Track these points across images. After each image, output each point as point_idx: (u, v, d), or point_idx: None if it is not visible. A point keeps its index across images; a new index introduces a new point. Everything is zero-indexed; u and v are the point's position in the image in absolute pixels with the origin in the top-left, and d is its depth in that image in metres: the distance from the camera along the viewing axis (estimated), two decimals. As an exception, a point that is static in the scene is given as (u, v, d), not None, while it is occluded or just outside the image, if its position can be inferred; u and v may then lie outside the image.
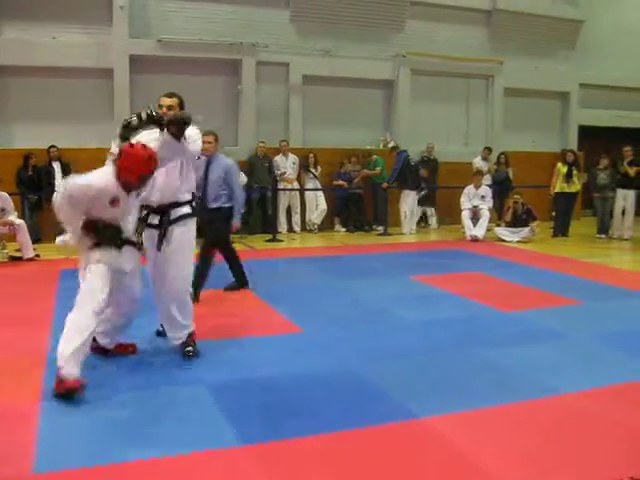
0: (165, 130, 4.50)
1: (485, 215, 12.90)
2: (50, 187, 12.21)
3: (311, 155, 14.16)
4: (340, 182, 14.34)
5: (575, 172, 13.33)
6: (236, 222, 7.34)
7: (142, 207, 4.95)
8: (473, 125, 16.70)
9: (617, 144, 14.02)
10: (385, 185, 13.91)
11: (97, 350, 5.00)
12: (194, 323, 5.18)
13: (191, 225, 5.11)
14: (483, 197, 13.14)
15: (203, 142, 5.90)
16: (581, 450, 3.55)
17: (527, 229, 12.68)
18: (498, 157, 15.05)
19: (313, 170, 14.17)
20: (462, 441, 3.66)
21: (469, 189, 13.25)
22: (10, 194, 10.51)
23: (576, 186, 13.44)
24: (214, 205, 7.14)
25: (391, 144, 14.48)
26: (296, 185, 14.13)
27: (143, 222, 4.96)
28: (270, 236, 12.96)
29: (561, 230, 13.47)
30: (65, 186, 4.55)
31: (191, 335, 5.17)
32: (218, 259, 7.44)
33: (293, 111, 14.68)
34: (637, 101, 17.80)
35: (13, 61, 12.48)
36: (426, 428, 3.84)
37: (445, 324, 6.25)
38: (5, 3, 12.47)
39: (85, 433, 3.70)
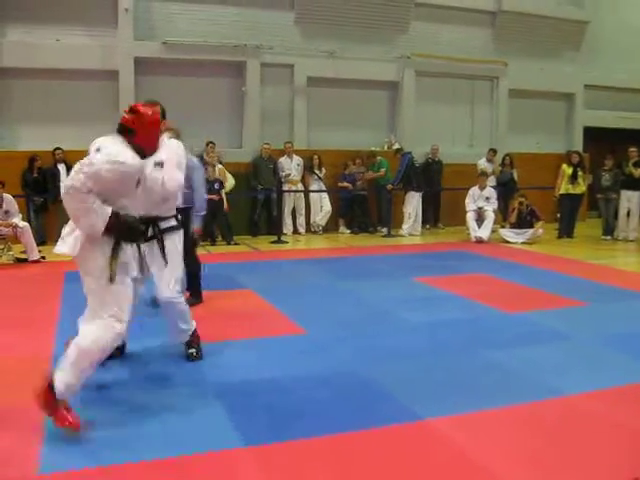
0: None
1: (490, 216, 12.89)
2: (55, 189, 12.26)
3: (315, 157, 14.17)
4: (345, 184, 14.35)
5: (580, 173, 13.31)
6: (196, 226, 6.51)
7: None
8: (478, 126, 16.70)
9: (622, 145, 14.00)
10: (390, 187, 13.91)
11: None
12: (194, 322, 5.16)
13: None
14: (488, 198, 13.14)
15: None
16: (585, 451, 3.54)
17: (532, 230, 12.66)
18: (503, 158, 15.04)
19: (317, 172, 14.18)
20: (466, 442, 3.65)
21: (474, 190, 13.25)
22: (15, 196, 10.55)
23: (581, 187, 13.42)
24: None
25: (395, 146, 14.48)
26: (300, 187, 14.14)
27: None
28: (275, 237, 12.97)
29: (566, 231, 13.45)
30: (83, 167, 3.77)
31: (194, 336, 5.14)
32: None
33: (297, 113, 14.69)
34: (643, 102, 17.79)
35: (17, 63, 12.53)
36: (430, 429, 3.84)
37: (449, 326, 6.24)
38: (9, 5, 12.52)
39: (89, 434, 3.71)
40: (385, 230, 14.02)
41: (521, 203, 12.89)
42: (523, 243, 12.51)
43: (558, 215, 14.02)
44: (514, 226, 12.94)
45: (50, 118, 12.87)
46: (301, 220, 14.23)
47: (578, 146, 16.80)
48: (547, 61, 16.79)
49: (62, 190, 3.89)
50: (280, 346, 5.57)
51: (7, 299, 7.57)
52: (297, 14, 14.41)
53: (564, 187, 13.35)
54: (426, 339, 5.78)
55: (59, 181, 12.17)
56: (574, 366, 4.99)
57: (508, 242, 12.67)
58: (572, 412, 4.09)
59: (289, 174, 13.89)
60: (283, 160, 13.99)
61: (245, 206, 13.80)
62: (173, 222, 4.66)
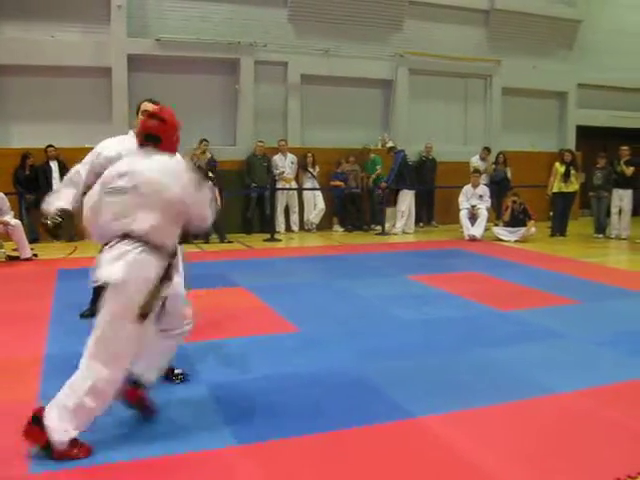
0: None
1: (483, 215, 12.91)
2: (48, 187, 12.22)
3: (309, 155, 14.16)
4: (337, 182, 14.34)
5: (573, 172, 13.33)
6: None
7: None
8: (471, 125, 16.73)
9: (614, 144, 14.04)
10: (383, 185, 13.91)
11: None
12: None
13: None
14: (481, 197, 13.15)
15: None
16: (577, 449, 3.55)
17: (525, 229, 12.68)
18: (496, 157, 15.05)
19: (311, 170, 14.18)
20: (459, 441, 3.65)
21: (467, 189, 13.26)
22: (7, 194, 10.51)
23: (574, 186, 13.45)
24: None
25: (389, 144, 14.48)
26: (294, 185, 14.13)
27: None
28: (268, 235, 12.96)
29: (559, 230, 13.47)
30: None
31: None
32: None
33: (291, 111, 14.68)
34: (635, 101, 17.82)
35: (10, 60, 12.47)
36: (423, 428, 3.84)
37: (442, 323, 6.25)
38: (3, 2, 12.46)
39: (81, 433, 3.69)
40: (379, 228, 14.02)
41: (514, 201, 12.92)
42: (516, 241, 12.53)
43: (551, 213, 14.05)
44: (507, 224, 12.97)
45: (43, 115, 12.82)
46: (294, 218, 14.22)
47: (571, 144, 16.84)
48: (540, 60, 16.82)
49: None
50: (273, 344, 5.56)
51: (-1, 297, 7.55)
52: (291, 11, 14.38)
53: (557, 185, 13.38)
54: (419, 337, 5.79)
55: (51, 178, 12.18)
56: (567, 364, 5.01)
57: (501, 240, 12.70)
58: (565, 410, 4.10)
59: (283, 172, 13.88)
60: (277, 158, 13.98)
61: (238, 204, 13.77)
62: None
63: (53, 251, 11.06)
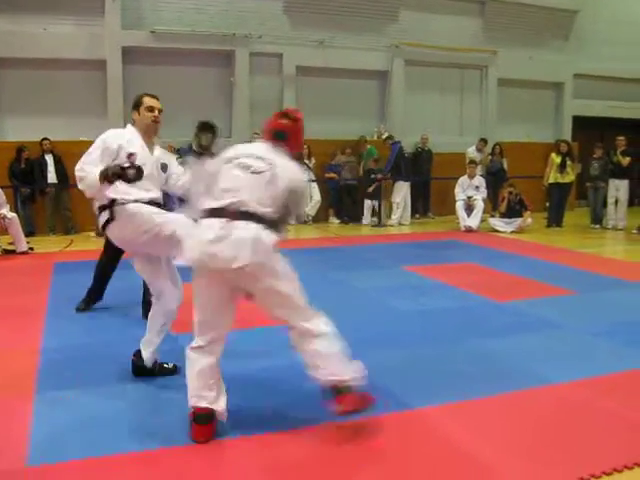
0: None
1: (479, 206, 12.91)
2: (43, 180, 12.21)
3: (305, 146, 14.11)
4: (331, 175, 14.30)
5: (569, 162, 13.32)
6: None
7: None
8: (467, 115, 16.71)
9: (611, 134, 14.04)
10: (380, 176, 13.89)
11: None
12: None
13: None
14: (477, 188, 13.14)
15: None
16: (575, 440, 3.55)
17: (521, 219, 12.69)
18: (493, 147, 15.05)
19: (307, 161, 14.14)
20: (457, 432, 3.66)
21: (463, 180, 13.25)
22: (2, 187, 10.48)
23: (570, 176, 13.45)
24: None
25: (385, 134, 14.46)
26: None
27: None
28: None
29: (555, 220, 13.48)
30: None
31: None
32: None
33: (287, 102, 14.60)
34: (631, 92, 17.81)
35: (4, 53, 12.43)
36: (421, 419, 3.84)
37: (439, 314, 6.25)
38: (-6, -6, 12.41)
39: (78, 426, 3.70)
40: (375, 220, 14.01)
41: (510, 192, 12.92)
42: (512, 232, 12.54)
43: (547, 204, 14.06)
44: (503, 215, 12.98)
45: (37, 108, 12.78)
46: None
47: (567, 135, 16.84)
48: (536, 50, 16.79)
49: None
50: (270, 336, 5.55)
51: (-5, 290, 7.54)
52: (286, 3, 14.34)
53: (553, 176, 13.37)
54: (416, 328, 5.79)
55: (47, 172, 12.16)
56: (564, 354, 5.01)
57: (497, 231, 12.71)
58: (562, 400, 4.10)
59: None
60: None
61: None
62: None
63: (49, 245, 11.06)
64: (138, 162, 4.20)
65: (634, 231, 12.36)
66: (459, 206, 13.05)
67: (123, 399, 4.11)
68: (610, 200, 13.25)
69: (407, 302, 6.70)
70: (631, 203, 13.81)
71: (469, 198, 13.02)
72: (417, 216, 15.08)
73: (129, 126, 4.49)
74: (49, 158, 12.26)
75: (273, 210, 3.57)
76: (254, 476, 3.20)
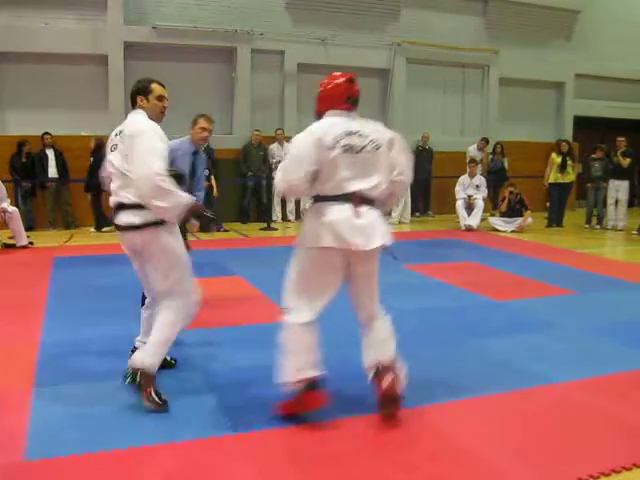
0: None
1: (479, 205, 12.91)
2: (44, 174, 12.21)
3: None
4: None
5: (569, 162, 13.31)
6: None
7: None
8: (468, 114, 16.70)
9: (612, 135, 14.04)
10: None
11: None
12: None
13: None
14: (478, 187, 13.14)
15: (203, 129, 5.62)
16: (573, 440, 3.55)
17: (521, 219, 12.69)
18: (494, 147, 15.06)
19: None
20: (454, 430, 3.66)
21: (464, 178, 13.25)
22: (3, 181, 10.48)
23: (570, 176, 13.44)
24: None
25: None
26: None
27: None
28: (265, 224, 12.95)
29: (555, 220, 13.48)
30: None
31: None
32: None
33: (288, 99, 14.64)
34: (632, 92, 17.80)
35: (6, 47, 12.41)
36: (418, 417, 3.84)
37: (438, 313, 6.25)
38: (-3, -11, 12.40)
39: (76, 421, 3.70)
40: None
41: (511, 192, 12.92)
42: (512, 232, 12.54)
43: (548, 204, 14.06)
44: (504, 215, 12.98)
45: (39, 103, 12.77)
46: (291, 207, 14.21)
47: (568, 135, 16.83)
48: (538, 50, 16.77)
49: None
50: (270, 333, 5.55)
51: (-5, 285, 7.54)
52: (288, 0, 14.32)
53: (553, 176, 13.36)
54: (415, 326, 5.77)
55: (48, 166, 12.16)
56: (563, 355, 5.01)
57: (497, 230, 12.71)
58: (561, 400, 4.11)
59: (279, 161, 13.80)
60: (274, 147, 13.95)
61: (235, 193, 13.75)
62: None
63: (49, 239, 11.06)
64: None
65: (634, 232, 12.36)
66: (459, 205, 13.05)
67: (122, 394, 4.11)
68: (610, 201, 13.25)
69: (406, 300, 6.68)
70: (631, 204, 13.79)
71: (469, 197, 13.02)
72: (417, 214, 15.08)
73: (142, 112, 4.15)
74: (50, 153, 12.26)
75: (381, 188, 3.75)
76: (253, 473, 3.21)
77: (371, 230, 3.67)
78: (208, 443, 3.47)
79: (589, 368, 4.66)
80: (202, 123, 5.63)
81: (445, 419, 3.81)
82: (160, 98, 4.24)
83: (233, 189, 13.63)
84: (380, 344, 3.92)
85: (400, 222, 13.94)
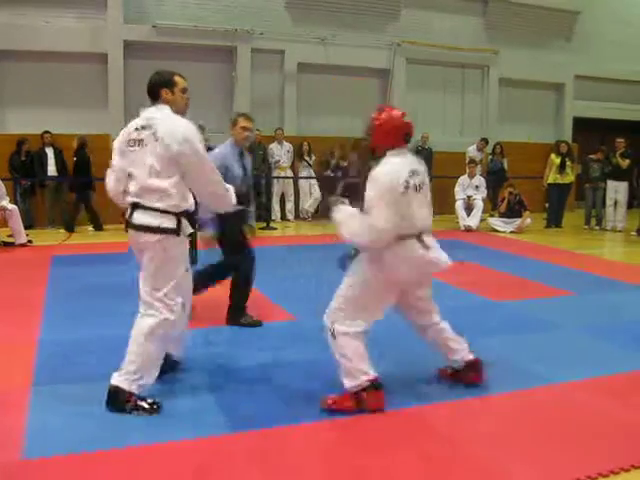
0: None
1: (479, 205, 12.91)
2: (43, 173, 12.19)
3: (305, 143, 14.12)
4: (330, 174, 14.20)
5: (569, 163, 13.31)
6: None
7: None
8: (468, 115, 16.69)
9: (611, 136, 14.02)
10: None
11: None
12: None
13: None
14: (477, 187, 13.15)
15: (244, 128, 5.67)
16: (573, 440, 3.56)
17: (520, 220, 12.69)
18: (493, 147, 15.06)
19: (307, 158, 14.14)
20: (453, 430, 3.67)
21: (463, 179, 13.25)
22: (2, 179, 10.48)
23: (569, 177, 13.44)
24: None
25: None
26: (290, 173, 14.12)
27: None
28: (264, 224, 12.95)
29: (554, 221, 13.48)
30: None
31: None
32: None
33: (288, 99, 14.64)
34: (632, 93, 17.80)
35: (6, 45, 12.39)
36: (416, 417, 3.85)
37: (437, 313, 6.24)
38: (-3, -13, 12.38)
39: (75, 420, 3.70)
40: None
41: (511, 193, 12.92)
42: (511, 232, 12.55)
43: (547, 205, 14.06)
44: (503, 215, 12.98)
45: (39, 101, 12.76)
46: (290, 207, 14.21)
47: (567, 136, 16.82)
48: (538, 51, 16.77)
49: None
50: (269, 333, 5.57)
51: (-6, 283, 7.53)
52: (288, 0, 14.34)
53: (552, 177, 13.36)
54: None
55: (47, 165, 12.14)
56: (561, 355, 5.02)
57: (497, 231, 12.71)
58: (559, 401, 4.11)
59: (279, 160, 13.86)
60: (274, 146, 13.95)
61: (234, 192, 13.71)
62: None
63: (48, 237, 11.06)
64: None
65: (633, 233, 12.37)
66: (459, 205, 13.06)
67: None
68: (609, 202, 13.25)
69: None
70: (630, 205, 13.80)
71: (469, 197, 13.02)
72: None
73: (166, 107, 4.00)
74: (49, 151, 12.24)
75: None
76: (253, 472, 3.21)
77: (438, 257, 4.16)
78: (207, 442, 3.47)
79: (588, 369, 4.66)
80: (242, 122, 5.70)
81: (444, 419, 3.82)
82: (184, 90, 4.15)
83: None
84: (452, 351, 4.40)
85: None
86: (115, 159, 4.02)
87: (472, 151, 14.83)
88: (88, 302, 6.51)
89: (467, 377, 4.30)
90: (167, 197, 3.80)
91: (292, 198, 14.20)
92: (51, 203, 12.46)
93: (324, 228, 12.39)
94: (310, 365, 4.70)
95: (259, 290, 7.09)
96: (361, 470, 3.22)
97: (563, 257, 9.68)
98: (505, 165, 14.95)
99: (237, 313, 5.85)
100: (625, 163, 12.89)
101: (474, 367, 4.31)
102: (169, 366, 4.30)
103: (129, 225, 3.94)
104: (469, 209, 12.97)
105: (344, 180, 14.11)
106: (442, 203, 14.87)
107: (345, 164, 13.99)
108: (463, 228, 12.77)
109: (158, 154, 3.76)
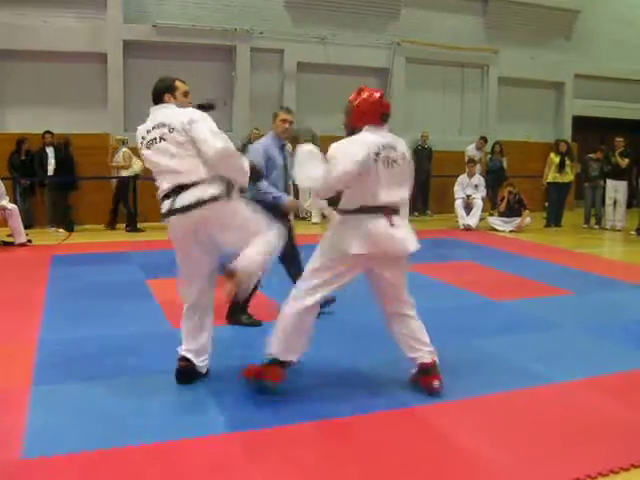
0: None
1: (478, 204, 12.91)
2: (43, 173, 12.17)
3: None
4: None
5: (568, 162, 13.31)
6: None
7: None
8: (467, 114, 16.69)
9: (611, 135, 14.01)
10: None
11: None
12: None
13: None
14: (476, 186, 13.13)
15: (283, 121, 5.85)
16: (573, 440, 3.56)
17: (520, 219, 12.69)
18: (493, 146, 15.05)
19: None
20: (453, 430, 3.66)
21: (462, 178, 13.24)
22: (2, 179, 10.48)
23: (569, 176, 13.43)
24: None
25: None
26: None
27: None
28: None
29: (554, 220, 13.47)
30: None
31: None
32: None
33: (287, 98, 14.62)
34: (632, 92, 17.79)
35: (6, 45, 12.38)
36: (418, 417, 3.85)
37: (435, 313, 6.19)
38: (-5, -14, 12.37)
39: (74, 419, 3.70)
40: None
41: (510, 192, 12.92)
42: (511, 231, 12.54)
43: (546, 204, 14.05)
44: (502, 214, 12.98)
45: (38, 100, 12.76)
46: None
47: (567, 135, 16.82)
48: (537, 50, 16.77)
49: None
50: (268, 332, 5.56)
51: (-7, 282, 7.53)
52: (288, -1, 14.35)
53: (552, 176, 13.35)
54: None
55: (47, 164, 12.13)
56: (561, 354, 5.01)
57: (496, 230, 12.71)
58: (559, 400, 4.11)
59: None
60: (273, 146, 13.94)
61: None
62: None
63: (47, 237, 11.06)
64: None
65: (632, 232, 12.36)
66: (458, 204, 13.05)
67: (119, 393, 4.11)
68: (608, 201, 13.24)
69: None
70: (629, 204, 13.79)
71: (468, 197, 13.02)
72: (416, 214, 15.05)
73: (173, 105, 4.27)
74: (50, 151, 12.22)
75: (403, 200, 4.14)
76: (252, 471, 3.21)
77: (406, 237, 4.08)
78: (207, 442, 3.47)
79: (587, 368, 4.66)
80: (282, 115, 5.89)
81: (443, 419, 3.81)
82: (186, 94, 4.40)
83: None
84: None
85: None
86: (149, 164, 4.19)
87: (471, 150, 14.83)
88: (88, 302, 6.51)
89: (420, 381, 4.21)
90: (202, 171, 4.00)
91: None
92: (50, 203, 12.42)
93: (323, 227, 12.40)
94: (309, 365, 4.68)
95: (258, 289, 7.09)
96: (361, 470, 3.22)
97: (563, 256, 9.68)
98: (504, 164, 14.95)
99: (238, 312, 5.87)
100: (624, 162, 12.87)
101: (427, 372, 4.18)
102: None
103: (175, 211, 4.01)
104: (468, 208, 12.96)
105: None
106: (441, 202, 14.92)
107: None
108: (462, 227, 12.76)
109: (178, 142, 4.00)
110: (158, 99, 4.28)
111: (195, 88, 14.71)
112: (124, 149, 12.19)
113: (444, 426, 3.71)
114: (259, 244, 4.07)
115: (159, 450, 3.36)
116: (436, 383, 4.12)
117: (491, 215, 13.55)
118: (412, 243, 4.09)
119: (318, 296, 4.04)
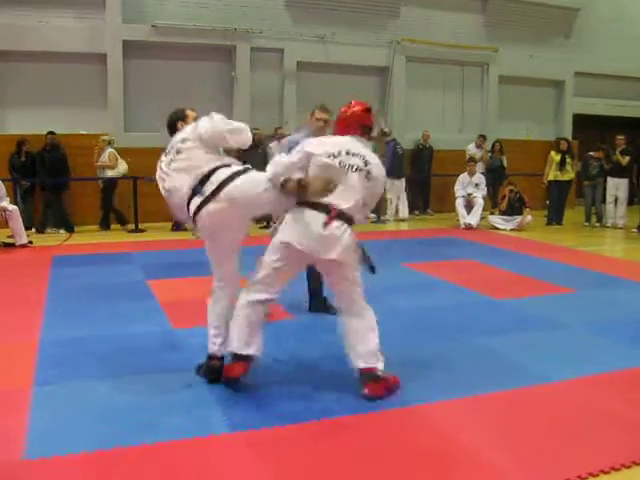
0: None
1: (479, 203, 12.89)
2: (44, 174, 12.16)
3: (305, 142, 14.10)
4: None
5: (569, 160, 13.29)
6: None
7: None
8: (468, 113, 16.68)
9: (611, 133, 14.01)
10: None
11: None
12: None
13: None
14: (477, 185, 13.12)
15: (318, 119, 5.86)
16: (574, 438, 3.55)
17: (520, 217, 12.69)
18: (493, 145, 15.04)
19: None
20: (454, 428, 3.66)
21: (463, 177, 13.23)
22: (2, 180, 10.48)
23: (569, 174, 13.42)
24: None
25: (385, 130, 14.43)
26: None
27: None
28: (264, 222, 12.93)
29: (555, 218, 13.46)
30: None
31: None
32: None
33: (287, 97, 14.63)
34: (632, 90, 17.79)
35: (5, 46, 12.37)
36: (418, 415, 3.84)
37: (437, 311, 6.25)
38: (-6, -13, 12.37)
39: (75, 420, 3.70)
40: (374, 216, 13.99)
41: (511, 190, 12.91)
42: (512, 230, 12.53)
43: (547, 202, 14.04)
44: (503, 213, 12.97)
45: (38, 101, 12.76)
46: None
47: (567, 133, 16.81)
48: (537, 48, 16.75)
49: None
50: (269, 331, 5.55)
51: (-6, 283, 7.54)
52: (287, -2, 14.34)
53: (552, 174, 13.34)
54: (414, 325, 5.78)
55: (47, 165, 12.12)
56: (562, 352, 5.01)
57: (497, 229, 12.70)
58: (560, 398, 4.10)
59: (278, 159, 13.85)
60: (274, 145, 13.91)
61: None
62: None
63: (48, 238, 11.06)
64: None
65: (634, 230, 12.35)
66: (459, 203, 13.04)
67: (120, 393, 4.11)
68: (609, 199, 13.24)
69: (406, 299, 6.70)
70: (630, 202, 13.78)
71: (469, 195, 13.01)
72: (416, 213, 15.07)
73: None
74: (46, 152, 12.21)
75: (356, 207, 4.12)
76: (252, 471, 3.20)
77: (332, 242, 4.00)
78: (207, 442, 3.47)
79: (589, 366, 4.65)
80: (317, 114, 5.88)
81: (445, 417, 3.81)
82: (195, 120, 4.61)
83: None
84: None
85: (396, 220, 13.92)
86: (172, 182, 4.28)
87: (471, 148, 14.84)
88: (88, 302, 6.51)
89: (361, 385, 4.08)
90: (219, 159, 4.44)
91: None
92: (50, 204, 12.42)
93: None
94: (309, 364, 4.70)
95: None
96: (362, 469, 3.22)
97: (564, 254, 9.67)
98: (504, 162, 14.94)
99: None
100: (625, 160, 12.87)
101: (361, 377, 4.08)
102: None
103: (206, 201, 4.12)
104: (469, 207, 12.95)
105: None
106: (442, 201, 14.93)
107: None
108: (463, 226, 12.75)
109: (191, 147, 4.33)
110: (172, 128, 4.59)
111: (195, 88, 14.81)
112: (110, 149, 12.22)
113: (445, 425, 3.71)
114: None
115: (160, 450, 3.36)
116: (375, 391, 4.03)
117: (492, 214, 13.55)
118: (334, 250, 4.03)
119: (261, 287, 4.13)
